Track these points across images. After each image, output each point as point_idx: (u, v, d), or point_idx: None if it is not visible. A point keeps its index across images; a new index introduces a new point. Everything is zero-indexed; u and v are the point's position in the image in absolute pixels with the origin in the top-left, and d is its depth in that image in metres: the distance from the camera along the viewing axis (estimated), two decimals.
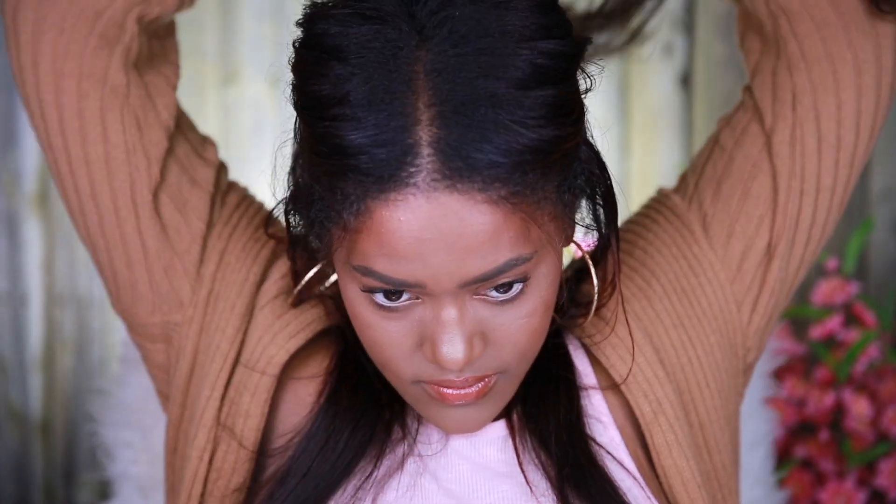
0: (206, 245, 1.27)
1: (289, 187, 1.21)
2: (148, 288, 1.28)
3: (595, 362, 1.27)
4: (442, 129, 1.04)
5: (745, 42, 1.30)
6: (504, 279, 1.10)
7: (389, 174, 1.05)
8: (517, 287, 1.11)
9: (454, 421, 1.18)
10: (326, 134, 1.07)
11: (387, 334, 1.13)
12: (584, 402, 1.24)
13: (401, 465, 1.21)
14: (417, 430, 1.23)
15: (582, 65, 1.13)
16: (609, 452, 1.22)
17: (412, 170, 1.05)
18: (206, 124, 2.34)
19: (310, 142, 1.10)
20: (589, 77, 1.14)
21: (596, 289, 1.22)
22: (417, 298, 1.11)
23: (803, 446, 1.92)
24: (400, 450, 1.22)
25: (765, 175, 1.27)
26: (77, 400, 2.27)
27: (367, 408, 1.23)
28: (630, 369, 1.24)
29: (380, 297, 1.11)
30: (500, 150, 1.04)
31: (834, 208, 1.28)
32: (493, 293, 1.11)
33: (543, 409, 1.23)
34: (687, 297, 1.28)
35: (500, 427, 1.24)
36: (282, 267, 1.29)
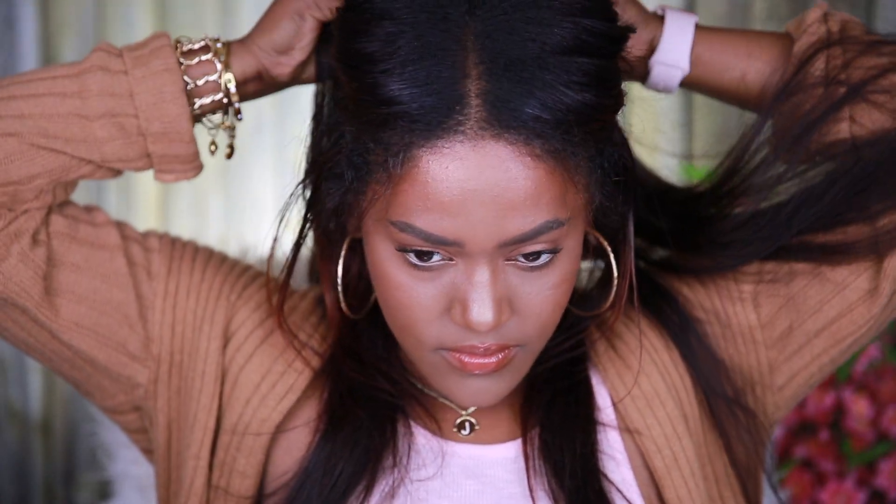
0: (147, 326, 1.26)
1: (309, 162, 1.23)
2: (101, 379, 1.28)
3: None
4: (490, 82, 1.08)
5: None
6: (539, 244, 1.11)
7: (438, 121, 1.08)
8: (546, 257, 1.13)
9: (470, 392, 1.19)
10: (376, 84, 1.09)
11: (416, 296, 1.14)
12: (601, 436, 1.25)
13: (392, 493, 1.21)
14: (409, 457, 1.23)
15: (623, 53, 1.16)
16: (619, 490, 1.23)
17: (460, 118, 1.08)
18: None
19: (355, 96, 1.11)
20: (630, 63, 1.17)
21: (615, 272, 1.23)
22: (451, 260, 1.13)
23: (803, 446, 1.92)
24: (391, 478, 1.22)
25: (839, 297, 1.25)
26: (77, 400, 2.27)
27: (359, 438, 1.23)
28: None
29: (412, 256, 1.13)
30: (545, 107, 1.07)
31: None
32: (523, 259, 1.13)
33: (560, 440, 1.23)
34: (724, 352, 1.28)
35: (510, 448, 1.25)
36: (246, 321, 1.28)
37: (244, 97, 1.26)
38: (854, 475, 1.91)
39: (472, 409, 1.27)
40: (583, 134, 1.10)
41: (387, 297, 1.17)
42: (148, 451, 1.34)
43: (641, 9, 1.27)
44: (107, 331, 1.24)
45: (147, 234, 1.29)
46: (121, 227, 1.28)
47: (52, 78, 1.22)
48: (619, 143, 1.18)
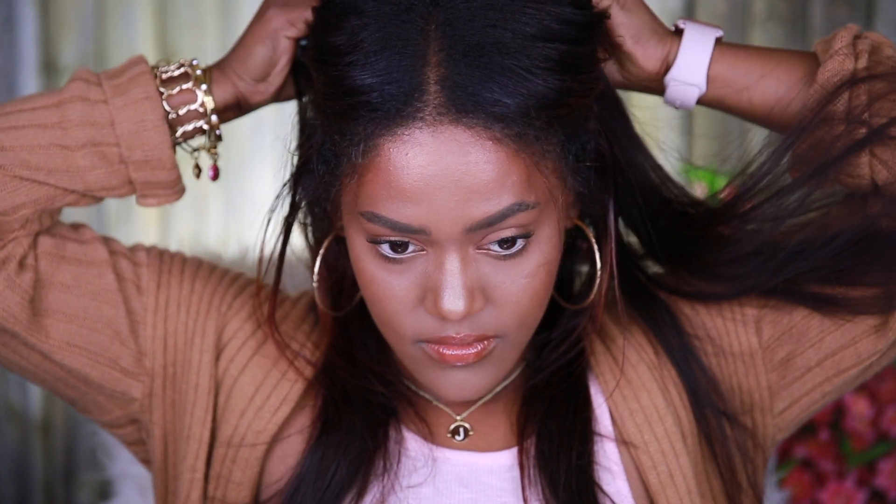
0: (138, 341, 1.26)
1: (295, 162, 1.22)
2: (95, 396, 1.27)
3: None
4: (449, 69, 1.08)
5: None
6: (507, 228, 1.12)
7: (397, 109, 1.08)
8: (520, 244, 1.13)
9: (453, 384, 1.19)
10: (340, 76, 1.10)
11: (390, 288, 1.15)
12: (598, 447, 1.25)
13: (383, 499, 1.21)
14: (399, 462, 1.23)
15: (599, 39, 1.15)
16: (614, 502, 1.22)
17: (419, 105, 1.08)
18: None
19: (323, 89, 1.12)
20: (606, 51, 1.17)
21: (598, 265, 1.23)
22: (422, 250, 1.13)
23: (803, 446, 1.92)
24: (382, 483, 1.22)
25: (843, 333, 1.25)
26: None
27: (352, 442, 1.23)
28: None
29: (385, 249, 1.13)
30: (505, 91, 1.08)
31: None
32: (496, 248, 1.13)
33: (556, 449, 1.23)
34: (724, 373, 1.28)
35: (505, 456, 1.25)
36: (238, 332, 1.28)
37: (222, 121, 1.26)
38: (854, 475, 1.91)
39: (466, 414, 1.26)
40: (547, 119, 1.10)
41: (365, 292, 1.17)
42: (147, 462, 1.34)
43: (655, 23, 1.23)
44: (98, 348, 1.24)
45: (135, 249, 1.28)
46: (108, 242, 1.27)
47: (31, 109, 1.21)
48: (594, 130, 1.18)
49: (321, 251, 1.25)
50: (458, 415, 1.27)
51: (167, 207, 2.32)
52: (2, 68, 2.25)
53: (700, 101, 1.24)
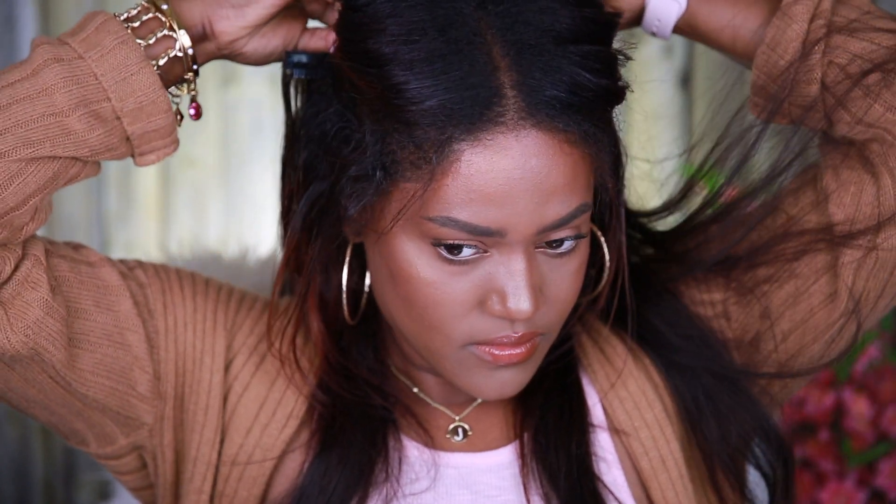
0: (154, 366, 1.23)
1: (302, 174, 1.20)
2: (104, 426, 1.24)
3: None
4: (520, 73, 1.09)
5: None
6: (569, 229, 1.13)
7: (479, 114, 1.08)
8: (570, 243, 1.14)
9: (498, 383, 1.18)
10: (406, 83, 1.09)
11: (450, 291, 1.14)
12: (592, 437, 1.25)
13: None
14: (400, 470, 1.23)
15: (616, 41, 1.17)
16: (612, 492, 1.23)
17: (499, 109, 1.09)
18: (206, 124, 2.34)
19: (381, 96, 1.10)
20: (623, 54, 1.17)
21: (607, 260, 1.24)
22: (485, 252, 1.13)
23: (803, 446, 1.93)
24: (384, 492, 1.22)
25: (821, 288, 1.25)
26: None
27: (351, 454, 1.23)
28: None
29: (443, 251, 1.12)
30: (574, 93, 1.09)
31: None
32: (548, 248, 1.14)
33: (554, 443, 1.24)
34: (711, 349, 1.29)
35: (503, 454, 1.25)
36: (242, 348, 1.26)
37: (198, 58, 1.20)
38: (854, 475, 1.91)
39: (465, 414, 1.27)
40: (606, 117, 1.13)
41: (416, 297, 1.15)
42: (138, 490, 1.32)
43: None
44: (119, 375, 1.21)
45: (130, 267, 1.25)
46: (113, 262, 1.23)
47: (9, 85, 1.14)
48: (614, 122, 1.20)
49: (346, 260, 1.22)
50: (457, 415, 1.27)
51: (167, 206, 2.32)
52: (2, 68, 2.25)
53: (676, 28, 1.25)
